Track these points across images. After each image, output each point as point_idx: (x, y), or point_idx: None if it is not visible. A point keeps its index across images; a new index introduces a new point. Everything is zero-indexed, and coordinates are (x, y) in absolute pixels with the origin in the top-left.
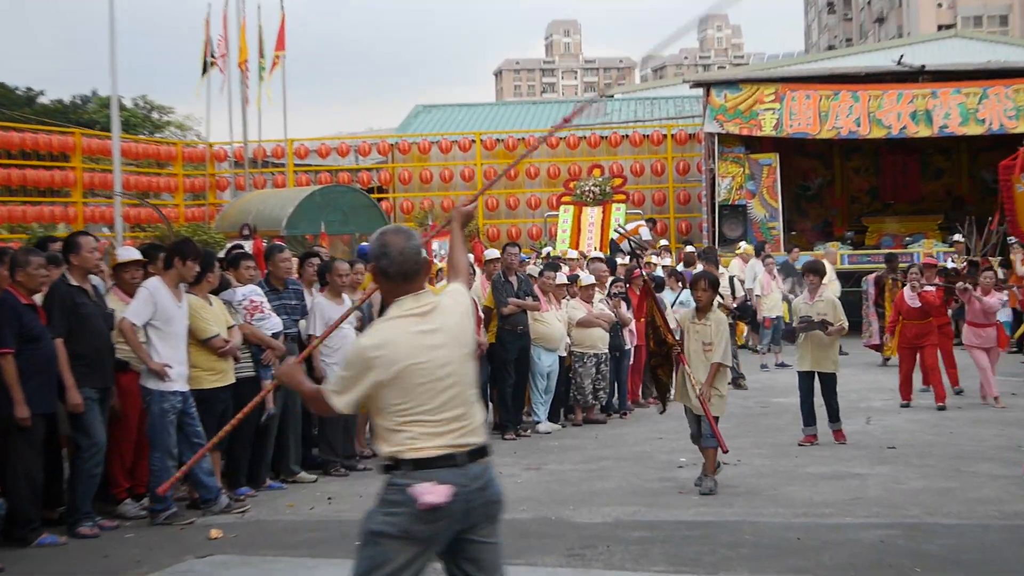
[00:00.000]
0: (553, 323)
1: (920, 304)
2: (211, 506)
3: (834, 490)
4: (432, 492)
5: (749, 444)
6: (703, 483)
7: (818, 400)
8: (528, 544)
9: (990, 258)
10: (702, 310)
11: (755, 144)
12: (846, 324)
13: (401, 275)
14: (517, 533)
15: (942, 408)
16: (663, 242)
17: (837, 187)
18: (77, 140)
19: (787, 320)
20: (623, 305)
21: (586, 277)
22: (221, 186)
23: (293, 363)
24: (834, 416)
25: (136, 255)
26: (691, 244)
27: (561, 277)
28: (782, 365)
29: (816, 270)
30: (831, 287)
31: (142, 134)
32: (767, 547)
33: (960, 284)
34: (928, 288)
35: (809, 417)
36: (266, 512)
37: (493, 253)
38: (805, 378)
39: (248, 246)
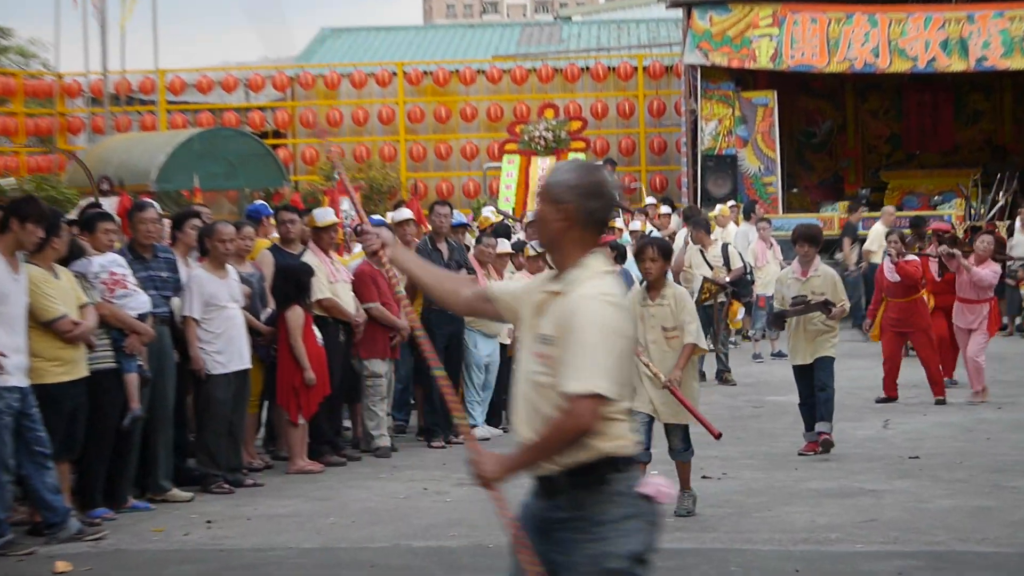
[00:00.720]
0: None
1: (900, 278)
2: (57, 532)
3: (842, 510)
4: (666, 485)
5: (738, 453)
6: (679, 502)
7: None
8: None
9: (996, 222)
10: (653, 287)
11: (748, 79)
12: (847, 304)
13: (604, 223)
14: (447, 565)
15: (941, 402)
16: (649, 199)
17: (850, 134)
18: None
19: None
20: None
21: (536, 245)
22: (74, 128)
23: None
24: (822, 412)
25: None
26: (668, 203)
27: (504, 244)
28: (779, 355)
29: (810, 237)
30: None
31: None
32: None
33: (943, 248)
34: (911, 258)
35: (811, 419)
36: (128, 539)
37: (404, 213)
38: (803, 373)
39: (109, 204)
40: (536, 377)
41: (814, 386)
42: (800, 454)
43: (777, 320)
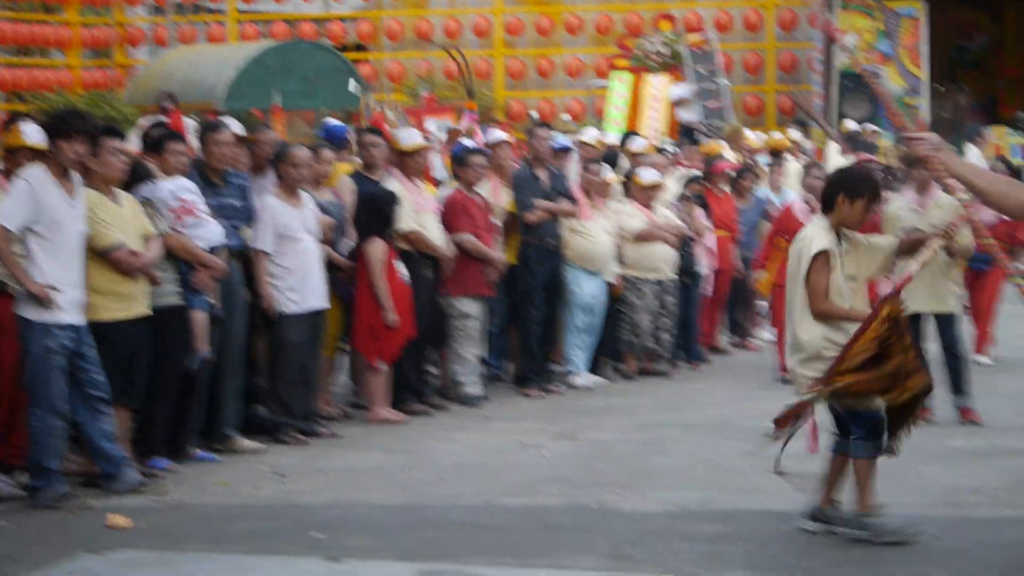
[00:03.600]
0: (598, 236)
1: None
2: (114, 483)
3: (988, 472)
4: None
5: None
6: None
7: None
8: (557, 540)
9: None
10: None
11: None
12: (972, 243)
13: None
14: (543, 524)
15: None
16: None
17: (1008, 50)
18: None
19: None
20: (699, 211)
21: (648, 173)
22: (134, 40)
23: None
24: (959, 384)
25: (39, 137)
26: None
27: (609, 172)
28: None
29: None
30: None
31: None
32: (890, 548)
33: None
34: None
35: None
36: (192, 493)
37: (498, 135)
38: (912, 324)
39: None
40: None
41: (943, 349)
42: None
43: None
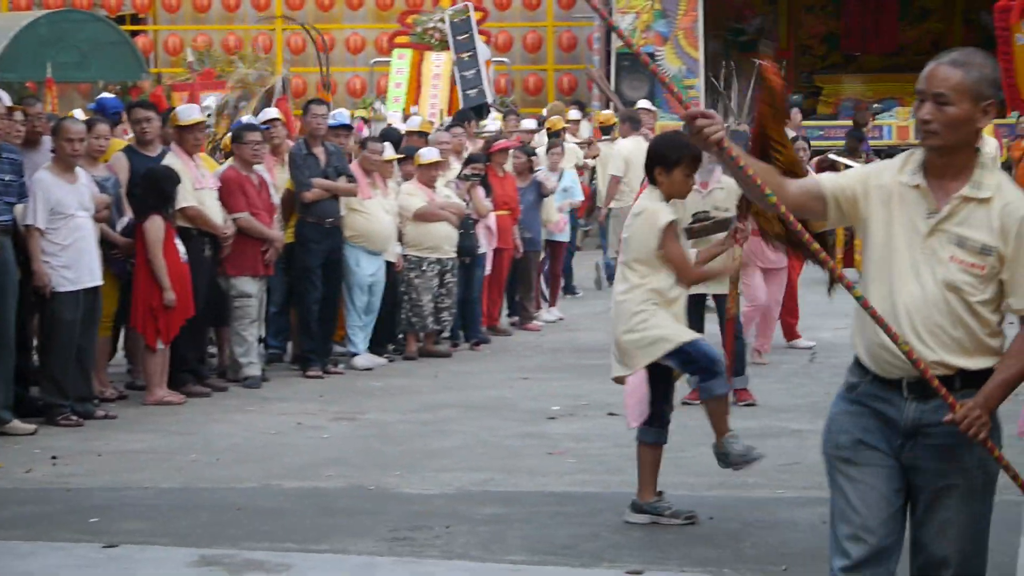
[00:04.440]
0: (378, 215)
1: None
2: None
3: (763, 452)
4: None
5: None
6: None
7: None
8: (336, 523)
9: None
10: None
11: None
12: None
13: None
14: (321, 508)
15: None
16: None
17: (782, 32)
18: None
19: None
20: (480, 191)
21: (428, 151)
22: None
23: None
24: (737, 365)
25: None
26: (580, 106)
27: (390, 150)
28: None
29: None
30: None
31: None
32: (668, 530)
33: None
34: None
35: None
36: None
37: (271, 112)
38: (693, 305)
39: None
40: (963, 288)
41: (720, 332)
42: (684, 402)
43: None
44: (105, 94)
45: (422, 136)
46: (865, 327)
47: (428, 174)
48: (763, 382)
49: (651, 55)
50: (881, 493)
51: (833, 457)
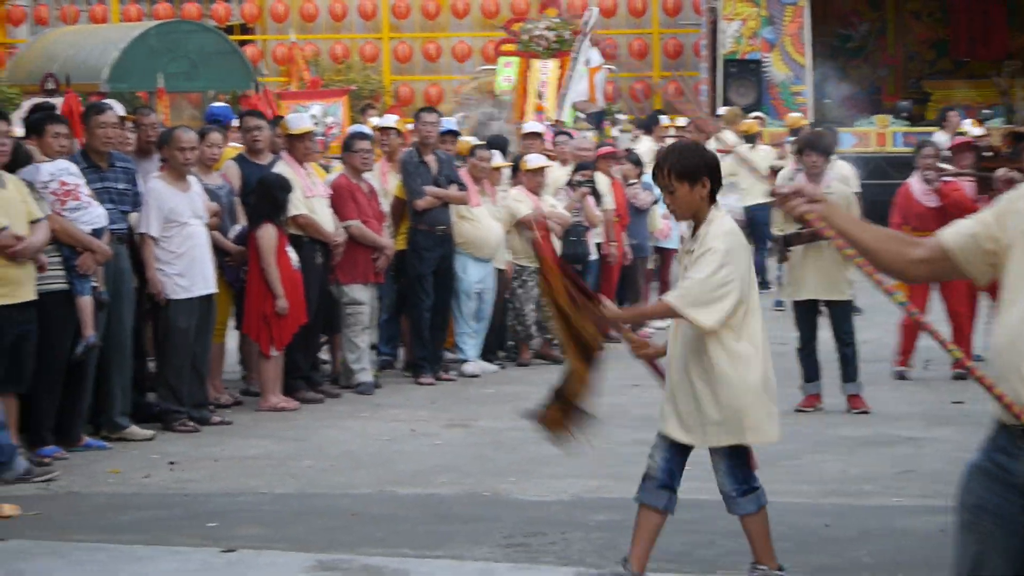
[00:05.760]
0: (486, 222)
1: (939, 203)
2: (3, 472)
3: (877, 461)
4: None
5: None
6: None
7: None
8: (452, 529)
9: None
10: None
11: None
12: None
13: None
14: (436, 515)
15: (961, 377)
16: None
17: (890, 38)
18: None
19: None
20: (589, 199)
21: (534, 157)
22: (14, 18)
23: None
24: (849, 372)
25: None
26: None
27: (499, 157)
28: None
29: (818, 147)
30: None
31: None
32: (783, 538)
33: (1003, 171)
34: (948, 179)
35: (811, 368)
36: (82, 481)
37: (388, 120)
38: (805, 312)
39: (57, 106)
40: None
41: (835, 337)
42: (797, 410)
43: (782, 248)
44: (216, 103)
45: (536, 137)
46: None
47: (534, 180)
48: (876, 390)
49: (758, 62)
50: (996, 565)
51: (957, 511)
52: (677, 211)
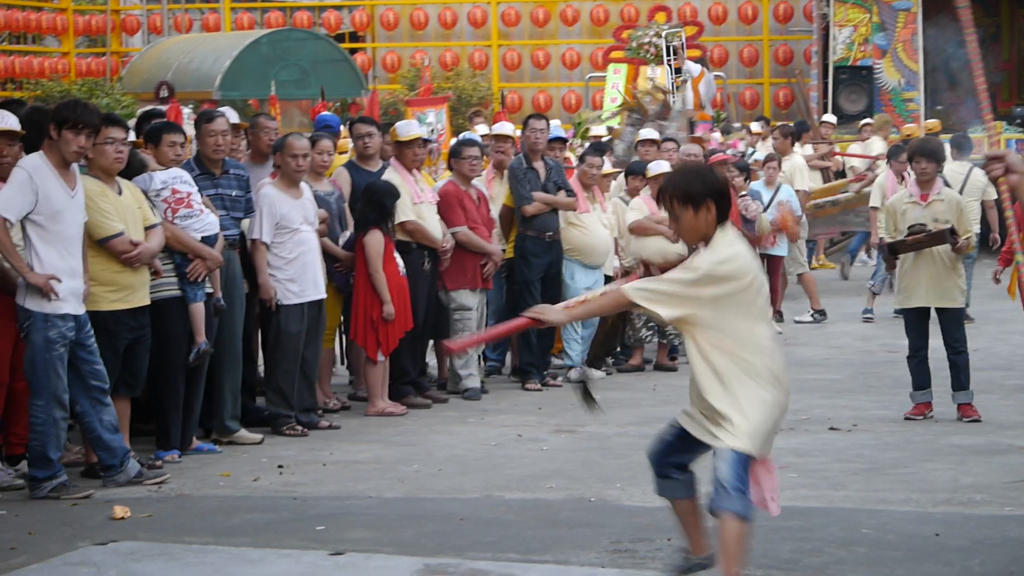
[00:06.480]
0: (594, 228)
1: None
2: (115, 474)
3: (990, 469)
4: None
5: (871, 403)
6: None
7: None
8: (558, 535)
9: None
10: None
11: None
12: (975, 237)
13: None
14: (543, 520)
15: None
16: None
17: (1004, 43)
18: None
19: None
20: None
21: (657, 164)
22: (129, 27)
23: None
24: (961, 380)
25: (11, 123)
26: (766, 121)
27: (608, 164)
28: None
29: (931, 152)
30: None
31: None
32: (893, 547)
33: None
34: None
35: (922, 376)
36: (192, 484)
37: (505, 127)
38: (916, 319)
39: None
40: None
41: (946, 344)
42: (907, 418)
43: (891, 254)
44: (325, 112)
45: (653, 144)
46: None
47: (656, 186)
48: (987, 398)
49: (869, 68)
50: None
51: None
52: (684, 237)
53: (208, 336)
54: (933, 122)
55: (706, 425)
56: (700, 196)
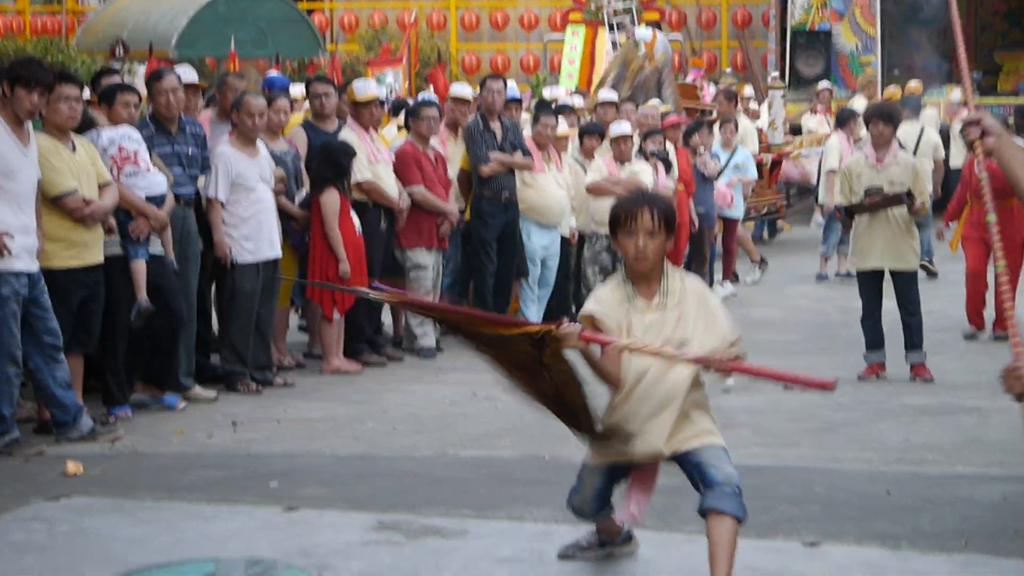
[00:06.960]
0: (549, 189)
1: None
2: (68, 431)
3: (941, 430)
4: None
5: (824, 363)
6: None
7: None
8: (513, 492)
9: None
10: None
11: None
12: (928, 198)
13: None
14: (497, 477)
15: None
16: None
17: (962, 8)
18: None
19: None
20: (660, 168)
21: (618, 125)
22: None
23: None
24: (914, 340)
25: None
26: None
27: (563, 125)
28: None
29: (887, 115)
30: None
31: None
32: (844, 505)
33: None
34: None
35: (875, 337)
36: (146, 441)
37: (463, 89)
38: (869, 281)
39: (140, 73)
40: None
41: (900, 306)
42: (860, 378)
43: (847, 217)
44: (272, 72)
45: (611, 106)
46: None
47: (619, 148)
48: (940, 359)
49: (827, 33)
50: None
51: None
52: (650, 259)
53: (169, 298)
54: (893, 89)
55: (683, 432)
56: (671, 226)
